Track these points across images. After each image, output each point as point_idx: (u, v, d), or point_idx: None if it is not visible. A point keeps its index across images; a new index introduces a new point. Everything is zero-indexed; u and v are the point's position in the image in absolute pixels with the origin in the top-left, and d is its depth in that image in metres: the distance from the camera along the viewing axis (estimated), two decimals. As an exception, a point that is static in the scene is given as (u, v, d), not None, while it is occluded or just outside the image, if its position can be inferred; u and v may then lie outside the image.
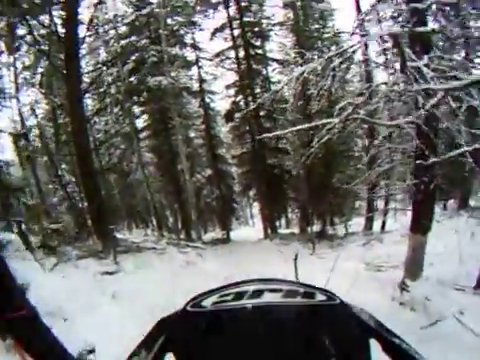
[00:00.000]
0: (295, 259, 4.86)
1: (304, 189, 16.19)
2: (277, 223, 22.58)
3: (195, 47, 20.56)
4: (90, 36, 15.28)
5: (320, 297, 1.35)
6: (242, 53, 20.08)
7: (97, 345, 5.02)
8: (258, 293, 1.34)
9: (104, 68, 17.75)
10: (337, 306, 1.34)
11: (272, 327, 1.32)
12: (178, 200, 20.30)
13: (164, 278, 8.00)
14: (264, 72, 21.08)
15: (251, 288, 1.35)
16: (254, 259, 11.69)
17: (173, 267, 9.48)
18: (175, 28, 19.36)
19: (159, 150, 20.81)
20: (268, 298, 1.33)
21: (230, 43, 20.13)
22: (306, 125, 7.77)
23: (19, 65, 15.73)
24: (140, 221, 25.40)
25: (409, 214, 14.22)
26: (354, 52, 6.23)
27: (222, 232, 22.08)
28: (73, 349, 5.03)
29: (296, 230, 20.22)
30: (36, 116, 16.48)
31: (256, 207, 27.56)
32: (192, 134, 22.82)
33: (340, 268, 8.23)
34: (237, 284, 1.38)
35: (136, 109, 20.58)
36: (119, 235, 15.36)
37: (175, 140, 18.54)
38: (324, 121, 6.38)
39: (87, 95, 18.31)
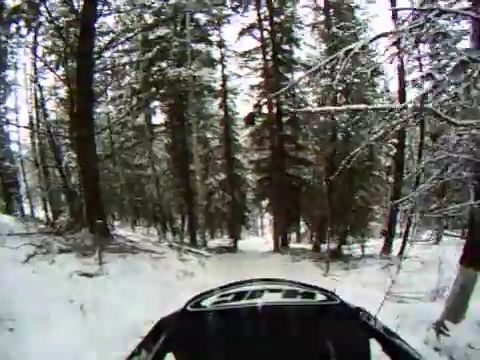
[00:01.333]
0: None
1: (323, 204, 14.91)
2: (288, 237, 21.21)
3: (221, 45, 19.64)
4: (109, 14, 14.53)
5: (320, 297, 1.35)
6: (269, 55, 18.86)
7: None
8: (258, 293, 1.36)
9: (122, 55, 17.36)
10: (337, 306, 1.34)
11: (272, 327, 1.32)
12: (187, 202, 19.18)
13: (152, 291, 6.77)
14: (290, 77, 19.65)
15: (251, 288, 1.38)
16: (263, 275, 10.35)
17: (167, 277, 8.26)
18: (201, 23, 18.79)
19: (173, 148, 19.89)
20: (268, 298, 1.34)
21: (258, 43, 19.02)
22: (355, 106, 6.40)
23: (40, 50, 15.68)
24: (146, 219, 24.34)
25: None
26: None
27: (230, 240, 20.86)
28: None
29: (307, 246, 18.92)
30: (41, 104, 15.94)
31: (267, 218, 26.59)
32: (209, 135, 21.78)
33: (359, 296, 7.41)
34: (237, 284, 1.39)
35: (153, 104, 19.57)
36: (121, 231, 14.44)
37: (191, 139, 17.63)
38: (386, 105, 5.06)
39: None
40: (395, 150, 16.59)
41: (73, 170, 13.24)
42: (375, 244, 15.93)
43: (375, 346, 1.22)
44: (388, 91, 17.07)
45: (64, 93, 17.45)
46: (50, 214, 17.14)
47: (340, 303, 1.35)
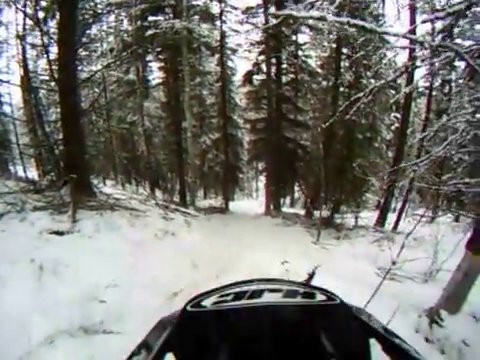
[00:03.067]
0: (311, 275, 3.17)
1: (319, 168, 14.46)
2: (281, 201, 20.92)
3: (221, 0, 18.59)
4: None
5: (320, 297, 1.37)
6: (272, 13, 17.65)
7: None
8: (258, 293, 1.36)
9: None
10: (337, 306, 1.36)
11: (272, 327, 1.32)
12: (179, 160, 18.66)
13: (123, 249, 6.36)
14: (293, 38, 18.89)
15: (251, 288, 1.38)
16: (250, 238, 10.18)
17: (144, 236, 7.79)
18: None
19: (167, 104, 19.33)
20: (268, 298, 1.35)
21: (259, 1, 17.88)
22: (359, 22, 6.17)
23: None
24: (138, 178, 24.13)
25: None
26: None
27: (222, 201, 20.60)
28: None
29: (301, 212, 18.63)
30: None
31: (262, 181, 26.38)
32: (205, 92, 21.17)
33: (349, 268, 7.28)
34: (237, 284, 1.41)
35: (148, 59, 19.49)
36: (109, 189, 14.06)
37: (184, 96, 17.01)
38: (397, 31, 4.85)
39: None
40: (397, 125, 16.27)
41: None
42: (369, 216, 15.73)
43: (375, 346, 1.20)
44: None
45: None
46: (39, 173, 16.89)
47: (340, 303, 1.36)
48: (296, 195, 24.70)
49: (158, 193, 18.27)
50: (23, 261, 4.94)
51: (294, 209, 21.33)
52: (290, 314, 1.32)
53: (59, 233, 6.53)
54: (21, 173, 19.20)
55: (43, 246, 5.68)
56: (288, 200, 25.10)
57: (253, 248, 8.55)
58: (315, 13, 7.08)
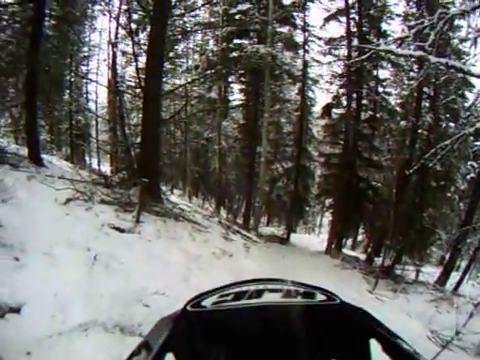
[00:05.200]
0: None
1: (388, 213, 13.67)
2: (343, 241, 20.20)
3: (305, 29, 18.58)
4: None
5: (320, 297, 1.38)
6: (354, 46, 17.39)
7: (28, 307, 3.67)
8: (258, 293, 1.35)
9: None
10: (337, 306, 1.37)
11: (272, 327, 1.33)
12: (249, 183, 18.73)
13: (179, 261, 6.36)
14: (375, 73, 18.41)
15: (251, 288, 1.36)
16: (305, 275, 9.58)
17: (203, 251, 7.74)
18: (286, 4, 18.07)
19: (245, 127, 19.63)
20: (268, 298, 1.35)
21: (343, 32, 17.67)
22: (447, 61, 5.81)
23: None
24: (206, 193, 24.58)
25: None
26: None
27: (284, 231, 20.20)
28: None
29: (361, 255, 17.98)
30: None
31: (327, 217, 25.72)
32: (283, 120, 21.24)
33: (399, 326, 6.54)
34: (237, 284, 1.38)
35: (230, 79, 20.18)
36: (175, 198, 14.43)
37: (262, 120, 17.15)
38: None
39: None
40: (473, 175, 15.16)
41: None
42: (430, 271, 14.74)
43: (375, 346, 1.20)
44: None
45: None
46: (112, 169, 17.77)
47: (340, 303, 1.37)
48: (359, 238, 23.76)
49: (222, 212, 18.42)
50: (80, 247, 5.09)
51: (354, 252, 20.66)
52: (290, 314, 1.31)
53: (120, 230, 6.68)
54: (95, 166, 20.40)
55: (102, 238, 5.82)
56: (350, 241, 24.24)
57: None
58: (416, 53, 6.82)
